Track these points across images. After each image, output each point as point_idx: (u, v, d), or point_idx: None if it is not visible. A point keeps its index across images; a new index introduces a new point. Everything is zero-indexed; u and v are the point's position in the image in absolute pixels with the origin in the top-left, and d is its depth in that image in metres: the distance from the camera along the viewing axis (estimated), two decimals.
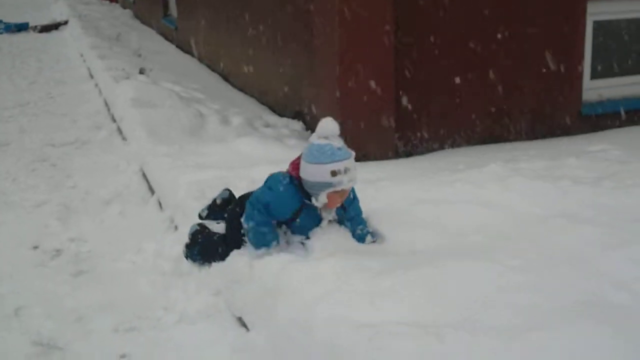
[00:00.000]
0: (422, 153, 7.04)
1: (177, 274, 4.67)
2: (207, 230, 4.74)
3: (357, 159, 4.29)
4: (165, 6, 15.47)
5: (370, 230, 4.43)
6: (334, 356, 3.11)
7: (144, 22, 17.90)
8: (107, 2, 22.47)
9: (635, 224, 4.36)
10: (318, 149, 4.10)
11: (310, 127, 7.59)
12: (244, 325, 3.97)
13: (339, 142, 4.14)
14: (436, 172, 5.56)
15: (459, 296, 3.41)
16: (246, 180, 5.38)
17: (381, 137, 6.67)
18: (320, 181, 4.08)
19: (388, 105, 6.65)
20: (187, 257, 4.71)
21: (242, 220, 4.27)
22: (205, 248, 4.60)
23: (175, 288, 4.52)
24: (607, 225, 4.35)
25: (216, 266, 4.44)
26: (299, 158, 4.28)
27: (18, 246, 5.37)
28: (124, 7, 20.62)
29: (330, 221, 4.35)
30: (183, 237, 4.90)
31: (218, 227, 4.77)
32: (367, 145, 6.56)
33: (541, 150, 6.47)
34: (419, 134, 7.02)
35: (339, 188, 4.10)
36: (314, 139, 4.16)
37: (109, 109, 9.12)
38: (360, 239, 4.33)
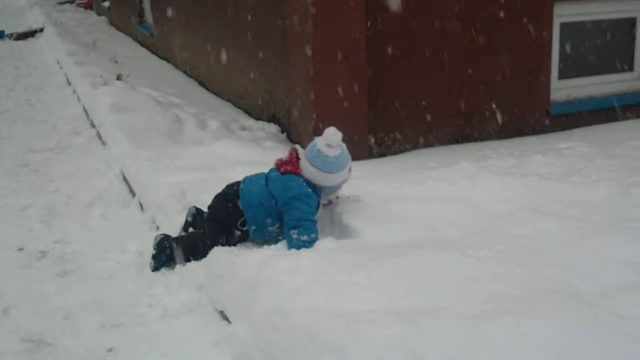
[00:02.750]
0: (395, 153, 7.23)
1: (161, 272, 4.83)
2: (170, 237, 4.94)
3: None
4: (141, 13, 15.56)
5: None
6: (313, 343, 3.27)
7: (119, 29, 17.97)
8: (82, 9, 22.45)
9: (599, 216, 4.58)
10: (336, 159, 4.59)
11: (286, 129, 7.76)
12: (226, 318, 4.12)
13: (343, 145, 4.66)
14: (409, 170, 5.75)
15: (431, 286, 3.60)
16: (225, 181, 5.51)
17: (355, 138, 6.82)
18: (345, 178, 4.70)
19: (362, 107, 6.83)
20: (153, 269, 4.89)
21: (298, 235, 4.39)
22: (187, 248, 4.80)
23: (158, 285, 4.69)
24: (573, 218, 4.57)
25: (197, 262, 4.61)
26: (293, 158, 4.73)
27: (3, 249, 5.47)
28: (99, 14, 20.62)
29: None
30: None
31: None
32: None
33: (510, 149, 6.69)
34: (392, 135, 7.20)
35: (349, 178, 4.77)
36: (322, 147, 4.60)
37: (87, 115, 9.22)
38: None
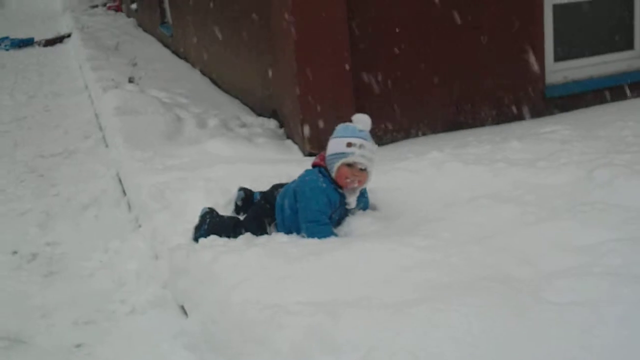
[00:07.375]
0: (387, 143, 7.30)
1: (135, 270, 5.06)
2: (215, 212, 5.00)
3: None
4: (163, 14, 15.85)
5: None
6: (242, 334, 3.46)
7: (145, 30, 18.30)
8: (113, 11, 22.88)
9: (555, 201, 4.63)
10: (343, 127, 4.64)
11: (283, 125, 7.92)
12: (185, 312, 4.32)
13: (364, 128, 4.62)
14: (382, 162, 5.83)
15: (364, 277, 3.70)
16: (203, 180, 5.73)
17: None
18: (337, 152, 4.55)
19: (347, 100, 6.92)
20: (195, 239, 4.81)
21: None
22: (214, 226, 4.83)
23: (131, 282, 4.92)
24: (529, 203, 4.62)
25: (163, 260, 4.82)
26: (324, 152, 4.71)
27: None
28: (128, 16, 21.03)
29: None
30: (145, 234, 5.37)
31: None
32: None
33: (494, 135, 6.73)
34: (382, 126, 7.29)
35: (350, 160, 4.52)
36: (352, 122, 4.65)
37: (97, 119, 9.51)
38: None
